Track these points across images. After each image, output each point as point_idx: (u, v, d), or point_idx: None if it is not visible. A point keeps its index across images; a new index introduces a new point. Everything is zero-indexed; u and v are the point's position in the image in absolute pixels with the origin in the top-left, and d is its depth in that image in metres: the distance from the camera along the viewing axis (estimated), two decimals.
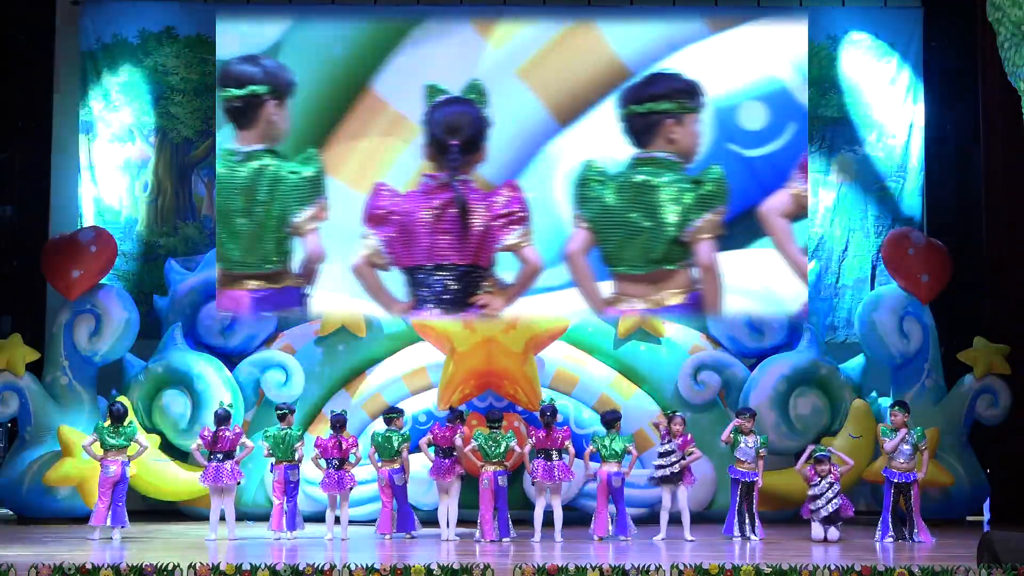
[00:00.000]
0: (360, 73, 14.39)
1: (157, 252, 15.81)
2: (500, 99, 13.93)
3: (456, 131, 13.49)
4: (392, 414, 13.24)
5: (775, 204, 13.65)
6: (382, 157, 14.30)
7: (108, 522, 12.63)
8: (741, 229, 13.98)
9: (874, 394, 14.97)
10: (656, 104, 13.30)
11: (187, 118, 15.93)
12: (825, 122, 15.95)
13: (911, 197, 15.99)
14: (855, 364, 15.11)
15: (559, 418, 13.29)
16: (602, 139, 14.05)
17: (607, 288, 13.72)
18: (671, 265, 13.20)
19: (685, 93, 13.38)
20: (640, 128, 13.34)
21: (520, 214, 13.55)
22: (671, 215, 13.11)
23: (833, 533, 12.86)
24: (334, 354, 14.92)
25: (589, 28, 14.51)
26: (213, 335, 15.00)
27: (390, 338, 14.90)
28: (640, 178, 13.21)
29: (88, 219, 15.69)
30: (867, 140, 16.01)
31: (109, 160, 15.89)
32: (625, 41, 14.37)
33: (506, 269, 13.85)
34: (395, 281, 14.01)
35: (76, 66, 15.84)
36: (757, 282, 14.17)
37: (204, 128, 15.78)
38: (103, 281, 14.92)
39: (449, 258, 13.66)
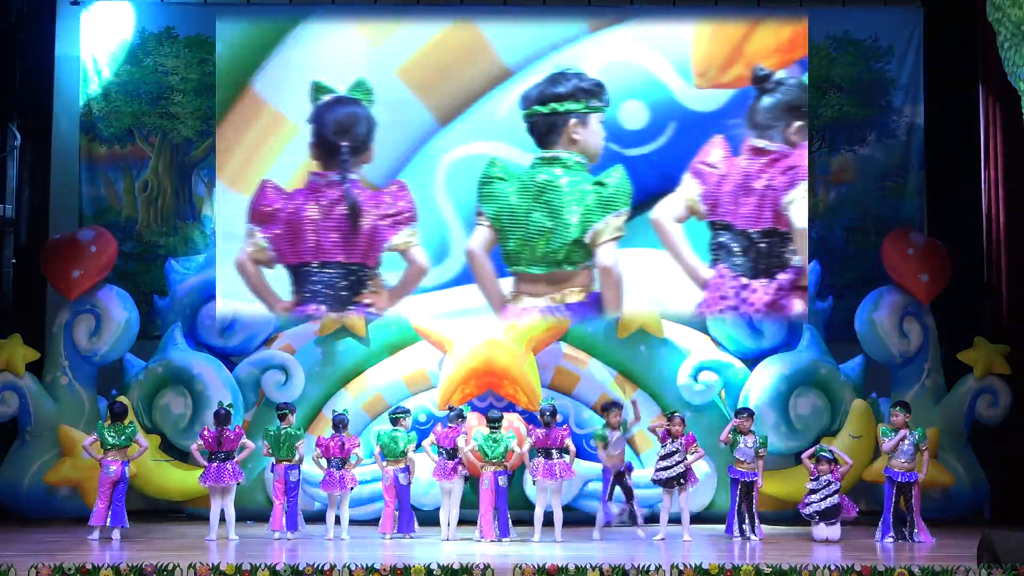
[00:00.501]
0: (240, 72, 14.48)
1: (157, 252, 15.81)
2: (381, 98, 14.00)
3: (346, 132, 13.48)
4: (398, 414, 13.25)
5: (667, 210, 13.49)
6: (263, 156, 14.35)
7: (108, 522, 12.64)
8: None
9: (874, 394, 14.97)
10: (560, 104, 13.21)
11: (187, 118, 15.92)
12: (825, 122, 15.94)
13: (911, 197, 15.99)
14: (855, 364, 15.10)
15: (559, 418, 13.29)
16: (484, 138, 14.16)
17: (507, 286, 13.66)
18: (571, 266, 13.09)
19: (589, 93, 13.29)
20: (544, 128, 13.24)
21: (407, 214, 13.59)
22: (573, 216, 13.00)
23: (834, 532, 12.86)
24: (334, 354, 14.92)
25: (469, 27, 14.55)
26: (213, 335, 15.00)
27: (390, 338, 14.89)
28: (543, 178, 13.11)
29: (88, 219, 15.68)
30: (867, 140, 16.01)
31: (109, 160, 15.89)
32: (505, 41, 14.42)
33: (391, 269, 13.89)
34: (279, 279, 14.15)
35: (76, 66, 15.84)
36: (641, 281, 14.16)
37: (204, 128, 15.77)
38: (103, 281, 14.93)
39: (336, 257, 13.68)
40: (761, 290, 13.88)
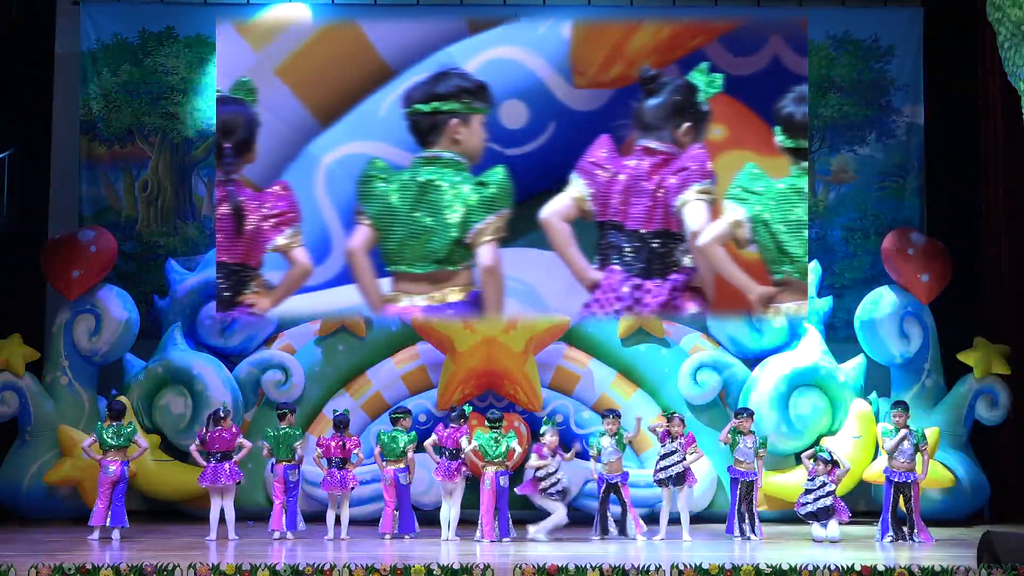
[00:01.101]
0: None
1: (157, 252, 15.81)
2: (260, 98, 13.96)
3: (230, 133, 13.38)
4: (398, 414, 13.24)
5: (556, 210, 13.35)
6: None
7: (108, 522, 12.64)
8: None
9: (874, 394, 14.97)
10: (443, 104, 13.02)
11: (187, 118, 15.92)
12: (825, 122, 15.95)
13: (911, 197, 15.99)
14: (855, 364, 15.11)
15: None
16: (365, 137, 14.13)
17: (387, 285, 13.62)
18: (452, 266, 12.95)
19: (472, 93, 13.10)
20: (426, 127, 13.04)
21: (290, 215, 13.51)
22: (455, 216, 12.86)
23: (834, 532, 12.84)
24: (334, 354, 14.92)
25: (350, 27, 14.55)
26: (213, 335, 15.00)
27: (390, 338, 14.89)
28: (424, 178, 12.97)
29: (88, 219, 15.69)
30: (867, 140, 16.01)
31: (109, 160, 15.89)
32: (387, 40, 14.40)
33: (273, 269, 13.84)
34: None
35: (76, 66, 15.84)
36: (523, 281, 14.13)
37: (204, 128, 15.78)
38: (103, 281, 14.93)
39: (218, 257, 13.62)
40: (655, 290, 13.66)
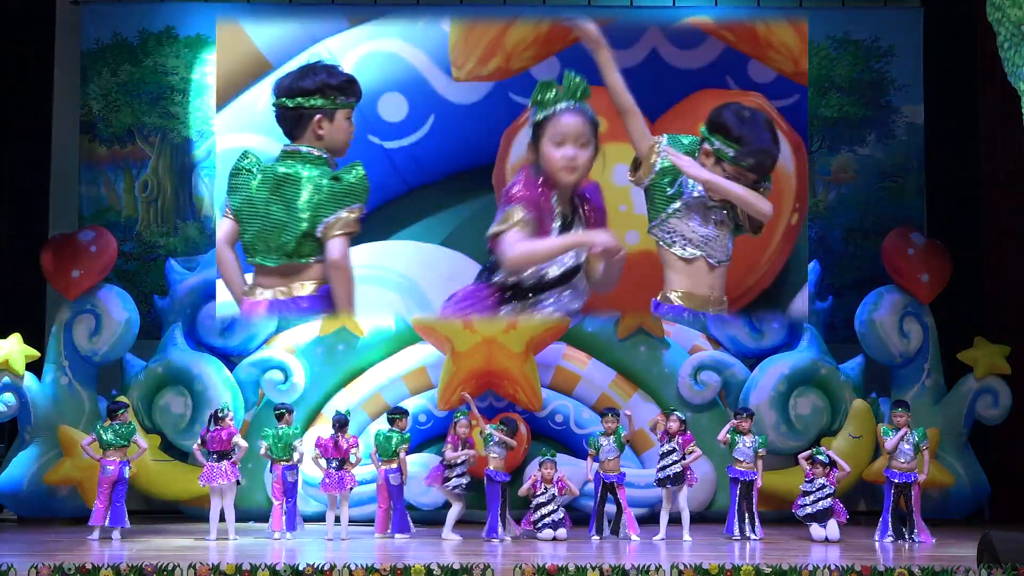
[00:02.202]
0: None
1: (157, 252, 15.81)
2: None
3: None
4: (396, 414, 13.25)
5: (511, 245, 13.05)
6: None
7: (107, 522, 12.65)
8: (380, 221, 13.78)
9: (874, 394, 14.98)
10: (306, 99, 13.00)
11: (187, 118, 15.92)
12: (825, 122, 15.95)
13: (911, 197, 15.99)
14: (855, 364, 15.11)
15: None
16: (243, 131, 14.16)
17: (251, 279, 13.58)
18: (303, 259, 12.88)
19: (336, 88, 13.02)
20: (291, 121, 12.98)
21: None
22: (306, 210, 12.82)
23: (834, 532, 12.85)
24: (334, 354, 14.91)
25: (229, 21, 14.62)
26: (213, 335, 15.00)
27: (390, 338, 14.90)
28: (283, 171, 12.89)
29: (88, 219, 15.69)
30: (867, 140, 16.02)
31: (109, 160, 15.89)
32: (265, 34, 14.44)
33: None
34: None
35: (76, 66, 15.85)
36: (397, 274, 14.19)
37: (204, 128, 15.78)
38: (103, 281, 14.93)
39: None
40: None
